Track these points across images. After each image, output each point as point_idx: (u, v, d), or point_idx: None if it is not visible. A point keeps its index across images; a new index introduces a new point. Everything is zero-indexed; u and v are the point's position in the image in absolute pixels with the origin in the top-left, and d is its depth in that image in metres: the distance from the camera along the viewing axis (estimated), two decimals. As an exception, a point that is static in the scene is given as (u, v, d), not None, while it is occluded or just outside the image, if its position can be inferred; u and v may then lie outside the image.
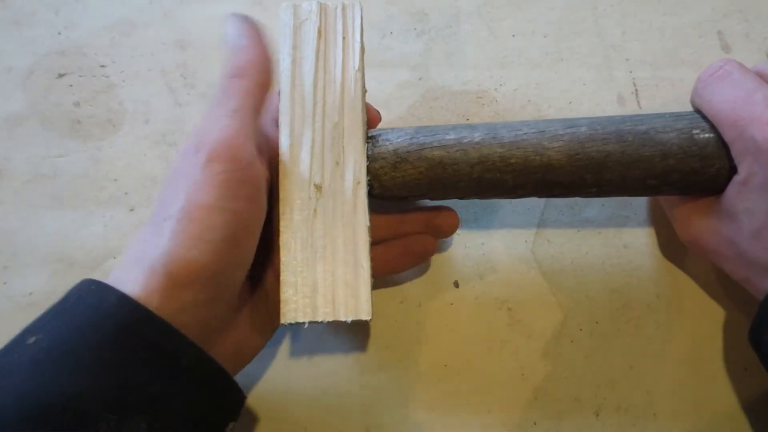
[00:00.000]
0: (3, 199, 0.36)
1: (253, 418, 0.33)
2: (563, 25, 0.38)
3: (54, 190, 0.36)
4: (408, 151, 0.30)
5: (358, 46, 0.31)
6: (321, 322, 0.28)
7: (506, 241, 0.35)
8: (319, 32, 0.31)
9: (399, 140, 0.30)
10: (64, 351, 0.22)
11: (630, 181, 0.29)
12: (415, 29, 0.38)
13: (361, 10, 0.31)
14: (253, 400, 0.33)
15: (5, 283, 0.35)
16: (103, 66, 0.38)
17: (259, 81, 0.28)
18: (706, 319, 0.34)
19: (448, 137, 0.30)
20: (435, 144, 0.30)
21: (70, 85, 0.37)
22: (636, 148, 0.29)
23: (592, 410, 0.33)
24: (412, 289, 0.35)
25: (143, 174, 0.36)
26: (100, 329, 0.23)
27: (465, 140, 0.30)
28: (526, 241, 0.35)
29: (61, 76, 0.37)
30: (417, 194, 0.31)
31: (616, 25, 0.38)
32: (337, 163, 0.29)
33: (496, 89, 0.37)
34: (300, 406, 0.33)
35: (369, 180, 0.30)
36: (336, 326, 0.34)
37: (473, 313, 0.35)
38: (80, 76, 0.37)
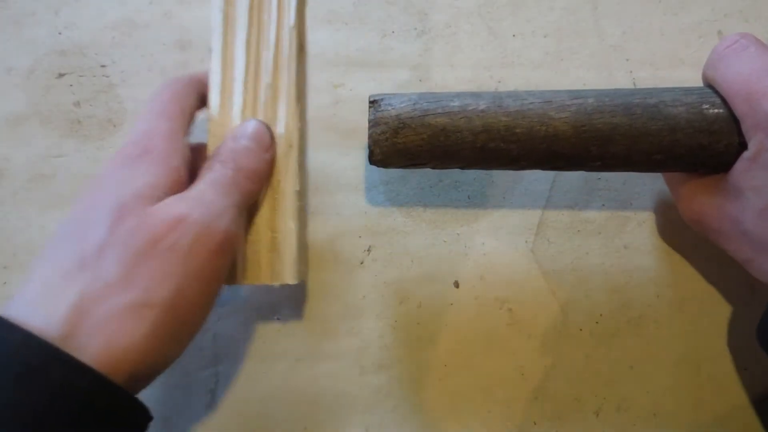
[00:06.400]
0: (3, 199, 0.36)
1: (253, 418, 0.33)
2: (563, 25, 0.38)
3: (54, 190, 0.36)
4: (411, 117, 0.29)
5: (294, 1, 0.29)
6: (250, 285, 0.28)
7: (506, 241, 0.35)
8: None
9: (402, 105, 0.29)
10: None
11: (636, 155, 0.29)
12: (415, 29, 0.38)
13: None
14: (253, 400, 0.33)
15: (5, 283, 0.35)
16: (103, 66, 0.38)
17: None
18: (706, 319, 0.34)
19: (452, 104, 0.29)
20: (439, 111, 0.29)
21: (70, 85, 0.37)
22: (644, 121, 0.28)
23: (592, 410, 0.33)
24: (412, 289, 0.35)
25: (143, 174, 0.36)
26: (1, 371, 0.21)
27: (470, 108, 0.29)
28: (526, 241, 0.35)
29: (61, 76, 0.37)
30: (418, 162, 0.30)
31: (616, 25, 0.38)
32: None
33: (495, 89, 0.37)
34: (300, 406, 0.33)
35: (370, 146, 0.30)
36: (336, 321, 0.34)
37: (473, 313, 0.34)
38: (80, 76, 0.37)
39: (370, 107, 0.30)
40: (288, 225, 0.28)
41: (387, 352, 0.34)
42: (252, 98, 0.29)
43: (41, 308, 0.23)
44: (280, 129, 0.29)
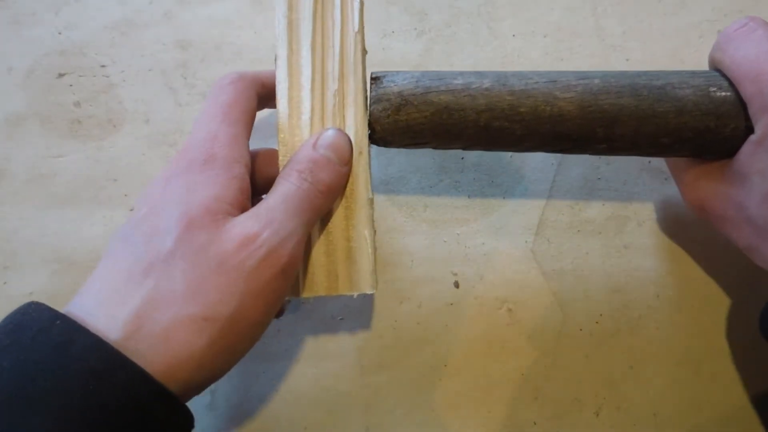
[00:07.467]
0: (3, 199, 0.36)
1: (253, 418, 0.33)
2: (563, 25, 0.38)
3: (54, 190, 0.36)
4: (413, 94, 0.29)
5: (357, 4, 0.29)
6: (324, 296, 0.28)
7: (506, 241, 0.35)
8: None
9: (404, 82, 0.29)
10: (22, 396, 0.20)
11: (642, 138, 0.28)
12: (415, 29, 0.38)
13: None
14: (253, 400, 0.33)
15: (5, 283, 0.35)
16: (103, 66, 0.38)
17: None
18: (706, 319, 0.34)
19: (456, 82, 0.29)
20: (442, 88, 0.29)
21: (70, 85, 0.37)
22: (651, 103, 0.28)
23: (592, 410, 0.33)
24: (412, 289, 0.35)
25: (143, 174, 0.36)
26: (66, 374, 0.21)
27: (473, 86, 0.29)
28: (526, 241, 0.35)
29: (61, 76, 0.37)
30: (420, 141, 0.29)
31: (616, 25, 0.38)
32: None
33: (496, 89, 0.37)
34: (300, 406, 0.33)
35: (370, 123, 0.29)
36: (336, 321, 0.34)
37: (473, 313, 0.35)
38: (80, 76, 0.37)
39: (371, 84, 0.29)
40: (363, 233, 0.28)
41: (387, 352, 0.34)
42: (320, 105, 0.29)
43: (104, 309, 0.23)
44: (349, 136, 0.28)
